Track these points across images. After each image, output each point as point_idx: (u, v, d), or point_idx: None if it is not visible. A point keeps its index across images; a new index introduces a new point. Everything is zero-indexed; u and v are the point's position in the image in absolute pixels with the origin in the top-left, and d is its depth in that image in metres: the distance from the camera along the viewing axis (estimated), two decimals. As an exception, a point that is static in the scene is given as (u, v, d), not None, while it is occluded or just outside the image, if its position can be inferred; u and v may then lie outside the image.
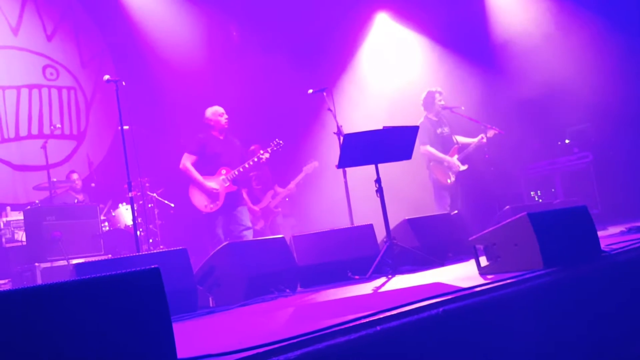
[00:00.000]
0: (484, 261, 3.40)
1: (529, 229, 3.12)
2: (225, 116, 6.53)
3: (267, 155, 6.50)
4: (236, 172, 6.40)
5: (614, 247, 3.41)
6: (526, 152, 8.26)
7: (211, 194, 6.33)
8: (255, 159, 6.46)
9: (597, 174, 7.47)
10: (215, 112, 6.54)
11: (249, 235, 6.42)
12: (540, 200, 7.77)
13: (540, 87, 7.71)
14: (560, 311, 2.70)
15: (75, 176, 7.88)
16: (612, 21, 7.50)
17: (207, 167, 6.41)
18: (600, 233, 3.50)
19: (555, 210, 3.54)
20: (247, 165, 6.43)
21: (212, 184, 6.34)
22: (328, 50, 9.58)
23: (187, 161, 6.40)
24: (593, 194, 7.39)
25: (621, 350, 2.84)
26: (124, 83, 5.33)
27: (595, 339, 2.77)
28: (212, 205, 6.33)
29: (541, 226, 3.13)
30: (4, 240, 6.91)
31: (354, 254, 4.67)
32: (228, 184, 6.38)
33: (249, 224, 6.56)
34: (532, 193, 7.98)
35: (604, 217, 6.85)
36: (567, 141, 8.02)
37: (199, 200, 6.35)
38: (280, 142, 6.63)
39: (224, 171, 6.40)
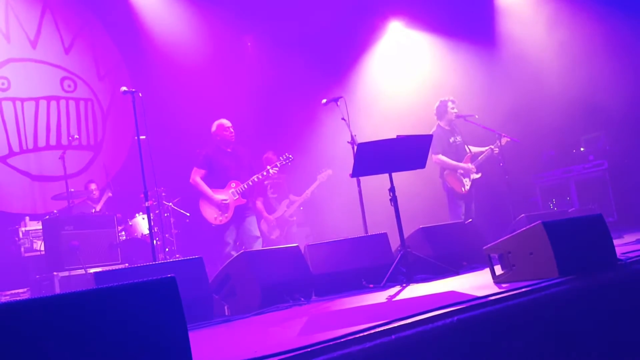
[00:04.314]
0: (498, 270, 3.39)
1: (544, 237, 3.11)
2: (231, 129, 6.58)
3: (276, 169, 6.57)
4: (245, 186, 6.45)
5: (630, 255, 3.38)
6: (541, 160, 8.21)
7: (220, 207, 6.39)
8: (265, 173, 6.52)
9: (613, 181, 7.41)
10: (220, 125, 6.59)
11: (258, 245, 6.45)
12: (556, 209, 7.71)
13: (555, 95, 7.68)
14: (575, 320, 2.69)
15: (93, 186, 7.97)
16: (628, 28, 7.46)
17: (217, 180, 6.48)
18: (616, 241, 3.47)
19: (570, 218, 3.52)
20: (256, 179, 6.49)
21: (221, 197, 6.40)
22: (342, 59, 9.63)
23: (196, 175, 6.48)
24: (609, 202, 7.33)
25: (637, 358, 2.81)
26: (140, 94, 5.39)
27: (611, 347, 2.75)
28: (221, 218, 6.39)
29: (556, 235, 3.11)
30: (22, 249, 7.01)
31: (368, 262, 4.68)
32: (237, 197, 6.44)
33: (258, 234, 6.59)
34: (550, 204, 7.93)
35: (620, 225, 6.79)
36: (582, 149, 7.96)
37: (209, 213, 6.42)
38: (290, 156, 6.69)
39: (233, 184, 6.46)
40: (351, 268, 4.61)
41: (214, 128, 6.62)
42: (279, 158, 6.77)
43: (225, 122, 6.61)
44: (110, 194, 7.91)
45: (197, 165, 6.53)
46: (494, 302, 2.55)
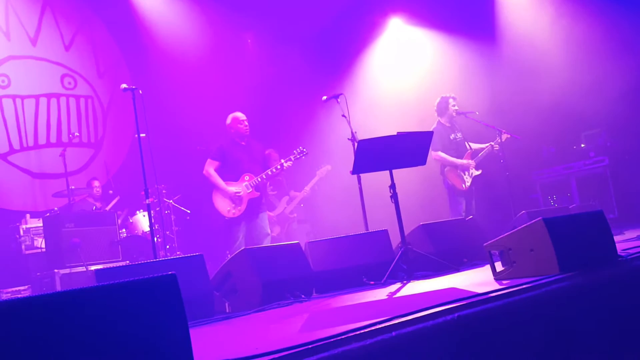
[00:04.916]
0: (499, 266, 3.39)
1: (544, 234, 3.11)
2: (246, 123, 6.54)
3: (289, 163, 6.45)
4: (259, 179, 6.41)
5: (630, 251, 3.38)
6: (541, 156, 8.21)
7: (234, 199, 6.36)
8: (278, 167, 6.44)
9: (614, 178, 7.41)
10: (235, 118, 6.55)
11: (267, 242, 6.43)
12: (556, 205, 7.71)
13: (555, 91, 7.67)
14: (576, 316, 2.69)
15: (96, 183, 7.98)
16: (629, 24, 7.45)
17: (230, 173, 6.44)
18: (616, 237, 3.47)
19: (571, 215, 3.52)
20: (270, 173, 6.43)
21: (235, 189, 6.37)
22: (342, 56, 9.62)
23: (209, 167, 6.45)
24: (609, 199, 7.33)
25: (638, 355, 2.81)
26: (140, 91, 5.39)
27: (612, 343, 2.75)
28: (234, 211, 6.35)
29: (557, 231, 3.11)
30: (23, 247, 7.02)
31: (369, 259, 4.68)
32: (251, 189, 6.40)
33: (269, 231, 6.58)
34: (551, 200, 7.92)
35: (621, 221, 6.80)
36: (582, 145, 7.95)
37: (222, 205, 6.38)
38: (305, 150, 6.56)
39: (247, 177, 6.42)
40: (352, 265, 4.62)
41: (228, 121, 6.59)
42: (292, 152, 6.68)
43: (240, 115, 6.57)
44: (110, 192, 7.91)
45: (211, 156, 6.49)
46: (495, 298, 2.55)
